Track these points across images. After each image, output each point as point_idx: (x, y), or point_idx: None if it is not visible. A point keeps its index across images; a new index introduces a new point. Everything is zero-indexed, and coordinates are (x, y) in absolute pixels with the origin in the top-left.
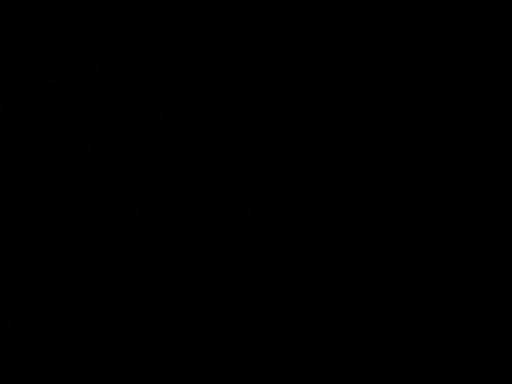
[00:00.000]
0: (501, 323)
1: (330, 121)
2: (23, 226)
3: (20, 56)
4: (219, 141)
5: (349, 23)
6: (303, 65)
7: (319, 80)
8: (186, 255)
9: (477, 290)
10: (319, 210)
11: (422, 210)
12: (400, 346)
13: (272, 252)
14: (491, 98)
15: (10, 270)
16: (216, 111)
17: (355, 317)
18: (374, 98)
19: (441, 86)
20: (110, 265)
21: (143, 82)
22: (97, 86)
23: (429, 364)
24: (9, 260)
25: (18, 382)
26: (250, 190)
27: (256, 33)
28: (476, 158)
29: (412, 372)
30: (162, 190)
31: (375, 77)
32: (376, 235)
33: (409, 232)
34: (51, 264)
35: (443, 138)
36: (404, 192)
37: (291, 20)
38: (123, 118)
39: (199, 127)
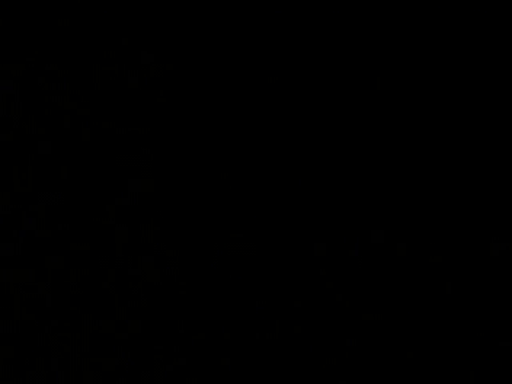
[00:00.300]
0: (501, 323)
1: (329, 121)
2: (23, 226)
3: (20, 56)
4: (219, 141)
5: (349, 23)
6: (303, 65)
7: (319, 80)
8: (186, 256)
9: (477, 290)
10: (319, 209)
11: (421, 211)
12: (400, 346)
13: (272, 252)
14: (491, 98)
15: (10, 269)
16: (216, 111)
17: (355, 317)
18: (374, 99)
19: (440, 87)
20: (110, 265)
21: (143, 82)
22: (97, 85)
23: (429, 364)
24: (9, 259)
25: (18, 381)
26: (250, 191)
27: (256, 33)
28: (476, 158)
29: (412, 372)
30: (162, 189)
31: (375, 77)
32: (376, 235)
33: (408, 233)
34: (51, 264)
35: (443, 139)
36: (404, 192)
37: (291, 20)
38: (123, 118)
39: (199, 127)
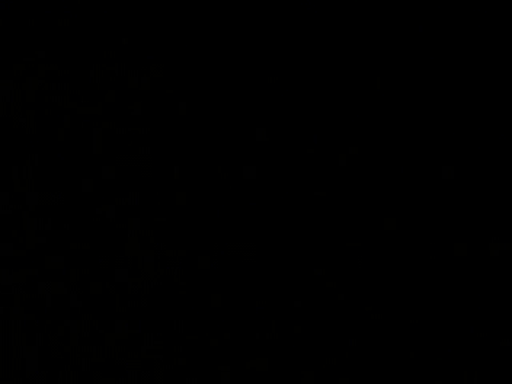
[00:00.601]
0: (501, 323)
1: (330, 122)
2: (23, 226)
3: (20, 56)
4: (219, 141)
5: (349, 23)
6: (303, 65)
7: (319, 80)
8: (187, 256)
9: (476, 290)
10: (318, 211)
11: (422, 211)
12: (401, 346)
13: (272, 252)
14: (491, 98)
15: (10, 269)
16: (217, 111)
17: (356, 317)
18: (374, 99)
19: (440, 88)
20: (110, 265)
21: (143, 82)
22: (97, 85)
23: (429, 364)
24: (9, 259)
25: (18, 381)
26: (250, 190)
27: (256, 33)
28: (476, 158)
29: (412, 372)
30: (162, 189)
31: (375, 78)
32: (376, 236)
33: (408, 234)
34: (51, 263)
35: (442, 141)
36: (403, 192)
37: (291, 20)
38: (123, 118)
39: (199, 127)
